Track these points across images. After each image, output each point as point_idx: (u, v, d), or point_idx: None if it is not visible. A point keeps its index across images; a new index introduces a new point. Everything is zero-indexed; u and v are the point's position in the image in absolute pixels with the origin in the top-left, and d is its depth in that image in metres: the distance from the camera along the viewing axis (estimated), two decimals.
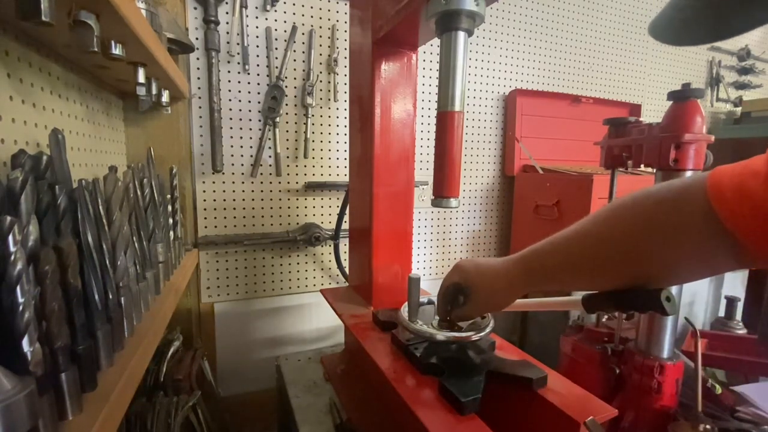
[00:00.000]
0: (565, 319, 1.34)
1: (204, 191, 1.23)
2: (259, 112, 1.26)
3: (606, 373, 1.03)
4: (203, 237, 1.23)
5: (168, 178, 0.89)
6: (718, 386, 1.01)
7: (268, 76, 1.25)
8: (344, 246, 1.39)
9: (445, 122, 0.60)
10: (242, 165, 1.26)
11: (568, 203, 1.36)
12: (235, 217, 1.28)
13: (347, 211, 1.26)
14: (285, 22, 1.26)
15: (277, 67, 1.25)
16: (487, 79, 1.61)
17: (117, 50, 0.58)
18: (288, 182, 1.33)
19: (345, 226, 1.32)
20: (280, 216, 1.34)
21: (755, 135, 1.90)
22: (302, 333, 1.42)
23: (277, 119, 1.27)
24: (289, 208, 1.35)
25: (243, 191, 1.28)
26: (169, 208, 0.86)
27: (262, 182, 1.30)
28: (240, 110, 1.24)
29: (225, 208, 1.26)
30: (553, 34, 1.71)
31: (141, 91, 0.72)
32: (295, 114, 1.31)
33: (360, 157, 0.98)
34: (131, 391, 0.49)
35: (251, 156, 1.27)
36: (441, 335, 0.70)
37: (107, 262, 0.47)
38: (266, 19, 1.23)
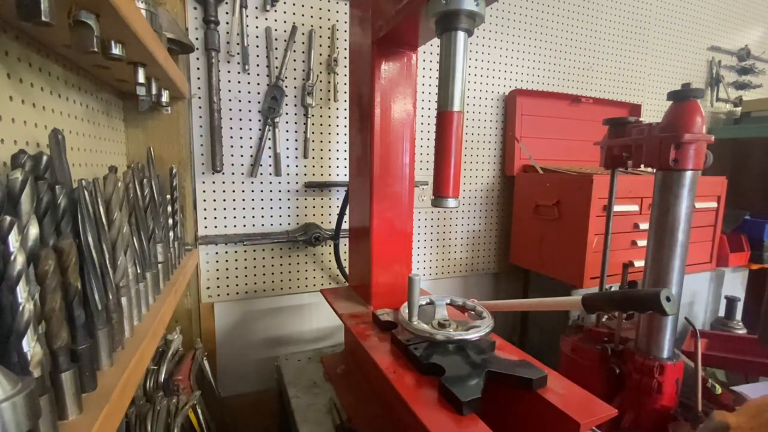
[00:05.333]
0: (565, 319, 1.34)
1: (204, 191, 1.23)
2: (259, 112, 1.26)
3: (606, 373, 1.03)
4: (203, 237, 1.23)
5: (168, 178, 0.89)
6: (718, 386, 1.01)
7: (268, 76, 1.25)
8: (344, 246, 1.39)
9: (445, 122, 0.60)
10: (242, 165, 1.26)
11: (568, 203, 1.36)
12: (235, 217, 1.28)
13: (347, 211, 1.26)
14: (285, 22, 1.25)
15: (277, 67, 1.25)
16: (487, 79, 1.61)
17: (117, 50, 0.58)
18: (288, 182, 1.33)
19: (345, 226, 1.32)
20: (280, 216, 1.34)
21: (755, 135, 1.90)
22: (302, 333, 1.42)
23: (277, 119, 1.27)
24: (289, 208, 1.35)
25: (243, 191, 1.28)
26: (169, 208, 0.86)
27: (261, 182, 1.30)
28: (240, 110, 1.24)
29: (225, 208, 1.26)
30: (553, 34, 1.71)
31: (141, 91, 0.72)
32: (295, 114, 1.31)
33: (360, 157, 0.98)
34: (131, 391, 0.49)
35: (251, 156, 1.27)
36: (441, 335, 0.71)
37: (107, 262, 0.47)
38: (266, 19, 1.23)
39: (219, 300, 1.29)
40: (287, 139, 1.31)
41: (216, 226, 1.26)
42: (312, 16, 1.29)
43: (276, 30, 1.24)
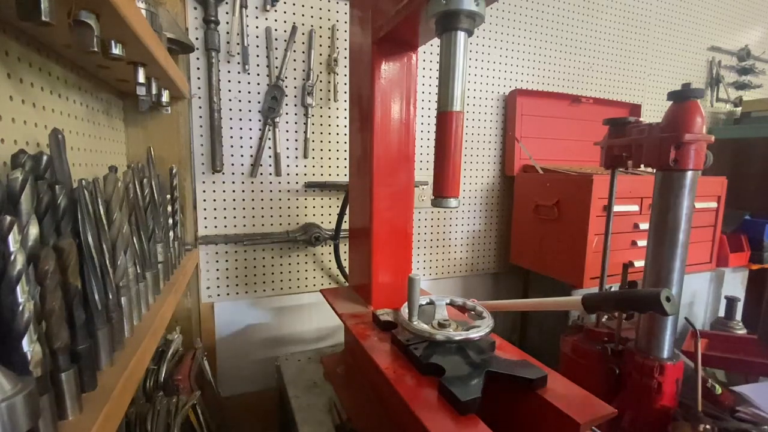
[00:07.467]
0: (565, 319, 1.34)
1: (204, 191, 1.23)
2: (259, 112, 1.26)
3: (606, 373, 1.03)
4: (203, 237, 1.23)
5: (168, 178, 0.89)
6: (718, 386, 1.01)
7: (268, 76, 1.25)
8: (344, 246, 1.39)
9: (445, 122, 0.60)
10: (242, 165, 1.26)
11: (568, 203, 1.36)
12: (235, 217, 1.28)
13: (347, 211, 1.26)
14: (285, 22, 1.25)
15: (277, 67, 1.25)
16: (487, 79, 1.61)
17: (117, 50, 0.58)
18: (288, 182, 1.33)
19: (345, 226, 1.32)
20: (280, 216, 1.34)
21: (755, 135, 1.90)
22: (302, 333, 1.42)
23: (277, 119, 1.27)
24: (289, 208, 1.35)
25: (243, 191, 1.28)
26: (169, 208, 0.86)
27: (262, 182, 1.30)
28: (240, 110, 1.24)
29: (225, 208, 1.26)
30: (553, 34, 1.71)
31: (141, 91, 0.72)
32: (295, 114, 1.31)
33: (360, 157, 0.98)
34: (131, 391, 0.49)
35: (251, 156, 1.27)
36: (441, 335, 0.71)
37: (107, 262, 0.47)
38: (266, 19, 1.23)
39: (219, 300, 1.29)
40: (287, 139, 1.31)
41: (216, 226, 1.26)
42: (312, 16, 1.29)
43: (276, 30, 1.24)
